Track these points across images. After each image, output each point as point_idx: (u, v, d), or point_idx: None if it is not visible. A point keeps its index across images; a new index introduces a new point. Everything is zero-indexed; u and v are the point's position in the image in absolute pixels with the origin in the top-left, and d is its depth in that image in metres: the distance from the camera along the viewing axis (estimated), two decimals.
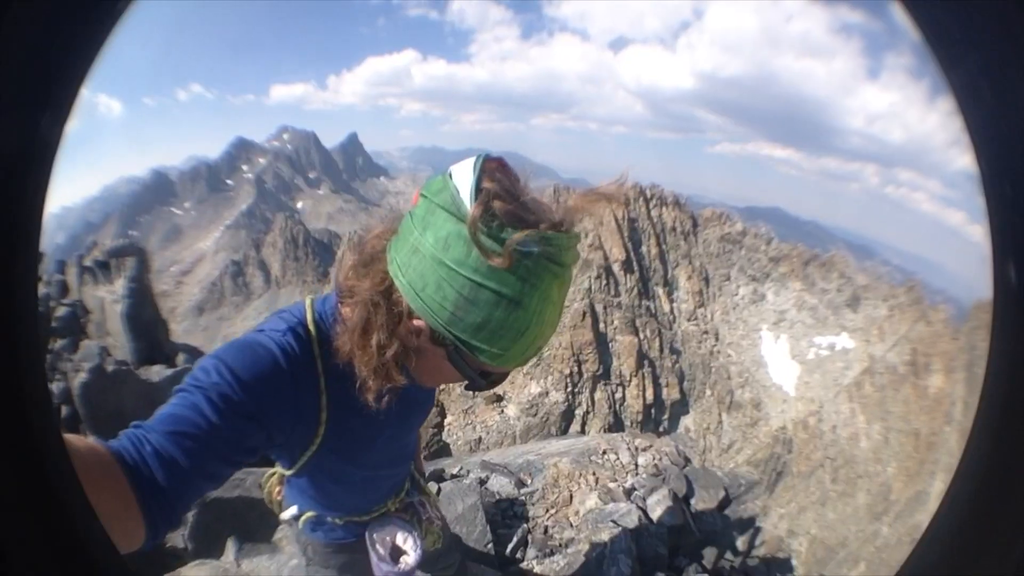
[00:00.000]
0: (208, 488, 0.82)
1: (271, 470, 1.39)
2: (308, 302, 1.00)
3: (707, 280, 53.72)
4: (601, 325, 45.68)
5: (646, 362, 46.62)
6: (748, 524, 6.40)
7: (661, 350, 48.05)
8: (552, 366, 44.44)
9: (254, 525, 3.60)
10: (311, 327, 0.95)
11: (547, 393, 43.89)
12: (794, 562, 7.39)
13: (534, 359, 0.82)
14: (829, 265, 56.51)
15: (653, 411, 47.13)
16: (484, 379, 0.89)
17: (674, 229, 53.56)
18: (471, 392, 1.12)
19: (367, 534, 1.35)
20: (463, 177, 0.77)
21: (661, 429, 47.70)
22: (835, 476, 49.13)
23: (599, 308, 45.89)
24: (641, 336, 46.76)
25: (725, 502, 6.08)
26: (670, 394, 48.17)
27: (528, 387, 44.92)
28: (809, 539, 47.15)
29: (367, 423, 1.03)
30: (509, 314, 0.76)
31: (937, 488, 50.64)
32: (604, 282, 47.54)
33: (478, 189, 0.74)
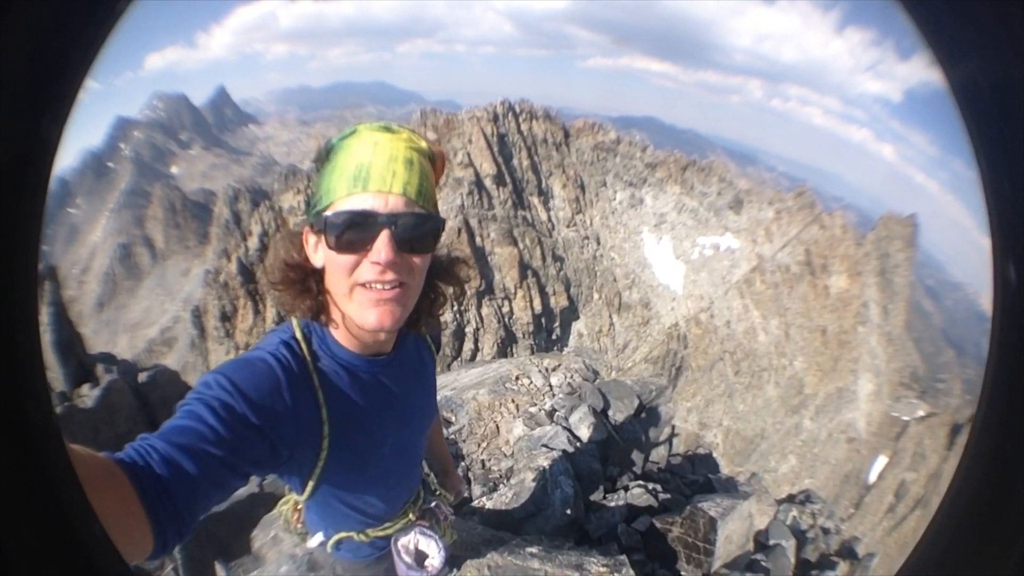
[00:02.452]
0: (216, 497, 0.83)
1: (285, 497, 1.42)
2: (293, 320, 1.04)
3: (583, 187, 54.27)
4: (478, 239, 45.55)
5: (529, 272, 47.05)
6: (665, 425, 6.74)
7: (543, 259, 48.59)
8: None
9: (230, 540, 3.70)
10: (300, 339, 1.01)
11: None
12: (715, 455, 7.56)
13: (384, 185, 0.91)
14: (708, 170, 58.14)
15: (543, 320, 47.91)
16: (335, 224, 0.90)
17: (545, 141, 53.41)
18: (341, 252, 0.90)
19: (392, 544, 1.38)
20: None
21: (553, 337, 48.65)
22: (738, 368, 51.89)
23: (473, 223, 45.64)
24: (521, 246, 46.98)
25: (640, 408, 6.38)
26: (558, 302, 48.99)
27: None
28: (723, 431, 50.15)
29: (370, 431, 1.09)
30: (326, 170, 0.94)
31: (864, 388, 54.09)
32: (476, 197, 47.16)
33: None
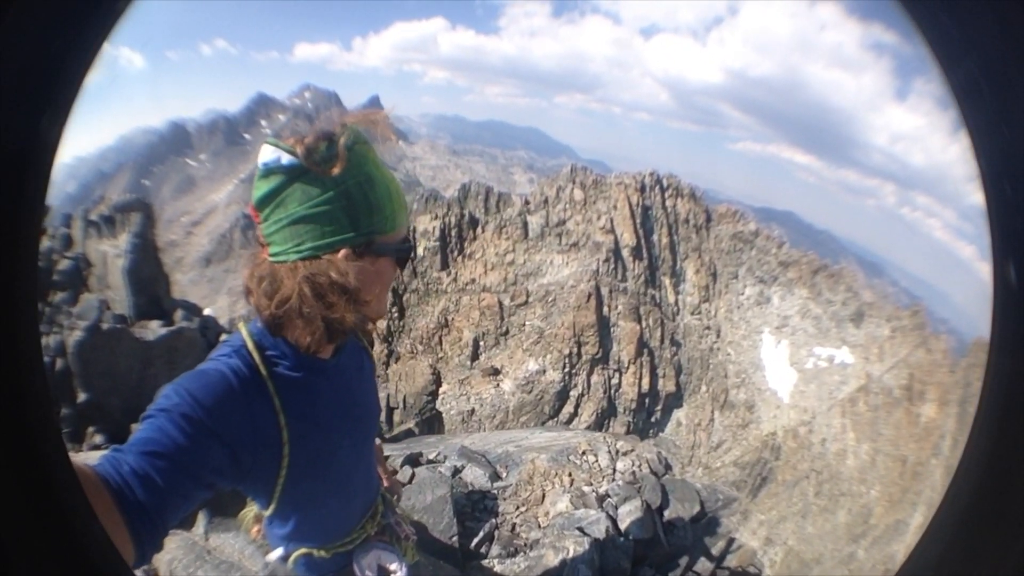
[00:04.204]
0: (184, 508, 0.87)
1: (245, 509, 1.45)
2: (241, 326, 1.08)
3: (715, 276, 53.23)
4: (605, 309, 45.56)
5: (646, 351, 46.54)
6: (722, 537, 6.34)
7: (662, 340, 47.93)
8: (552, 345, 44.48)
9: (226, 499, 3.63)
10: (252, 348, 1.03)
11: (544, 371, 44.01)
12: (766, 573, 7.40)
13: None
14: (838, 277, 55.82)
15: (647, 400, 47.15)
16: (403, 246, 1.10)
17: (687, 221, 52.92)
18: (402, 269, 1.21)
19: (353, 562, 1.39)
20: (263, 156, 0.95)
21: (653, 420, 47.81)
22: (819, 490, 49.09)
23: (604, 291, 45.71)
24: (644, 324, 46.61)
25: (699, 516, 6.04)
26: (666, 385, 48.12)
27: (526, 363, 45.07)
28: (785, 550, 47.67)
29: (327, 433, 1.13)
30: (372, 191, 0.99)
31: (917, 521, 50.91)
32: (612, 266, 47.29)
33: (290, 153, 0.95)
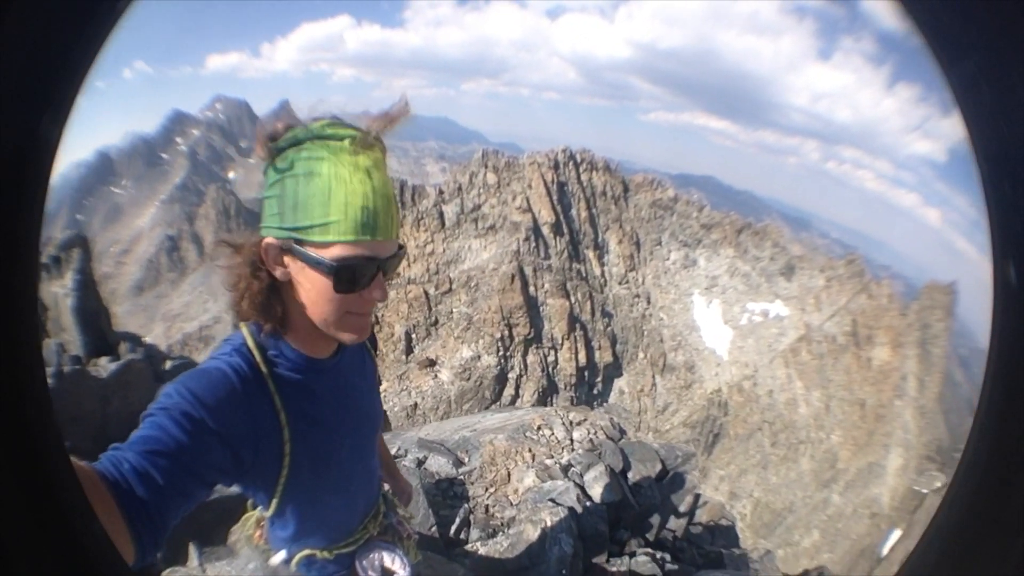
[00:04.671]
0: (184, 507, 0.86)
1: (247, 515, 1.41)
2: (242, 326, 1.06)
3: (638, 244, 54.11)
4: (531, 288, 45.59)
5: (578, 325, 46.92)
6: (688, 492, 6.57)
7: (593, 313, 48.41)
8: (483, 330, 44.30)
9: (209, 526, 3.72)
10: (252, 346, 1.02)
11: (479, 357, 43.84)
12: (739, 525, 7.36)
13: (387, 233, 0.95)
14: (763, 234, 57.46)
15: (586, 374, 47.64)
16: (342, 268, 0.93)
17: (604, 193, 53.55)
18: (343, 292, 0.97)
19: (356, 562, 1.38)
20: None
21: (595, 392, 48.23)
22: (775, 440, 50.66)
23: (528, 271, 45.74)
24: (572, 299, 46.92)
25: (662, 474, 6.22)
26: (603, 357, 48.69)
27: (460, 351, 44.74)
28: (753, 502, 48.92)
29: (328, 431, 1.12)
30: (306, 186, 0.90)
31: (893, 462, 52.62)
32: (533, 244, 47.36)
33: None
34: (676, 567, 4.53)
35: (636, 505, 5.29)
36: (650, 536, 5.18)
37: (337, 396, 1.15)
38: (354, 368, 1.25)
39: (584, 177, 52.81)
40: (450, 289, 46.99)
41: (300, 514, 1.18)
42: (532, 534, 3.93)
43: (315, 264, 0.92)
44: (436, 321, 46.62)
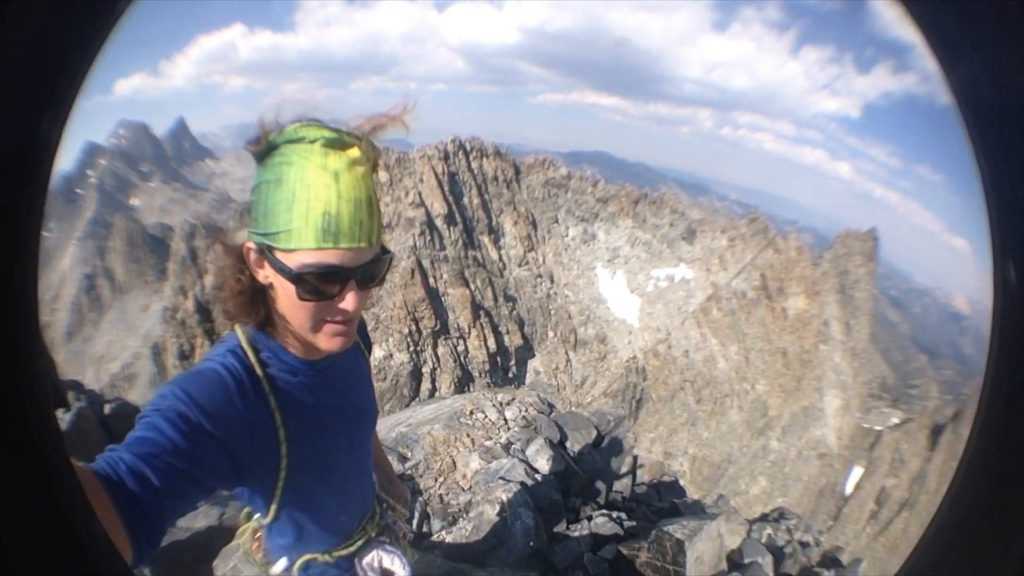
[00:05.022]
0: (181, 508, 0.86)
1: (241, 528, 1.40)
2: (237, 327, 1.05)
3: (534, 224, 54.91)
4: (431, 280, 46.01)
5: (481, 312, 47.45)
6: (627, 455, 6.72)
7: (495, 299, 49.01)
8: (390, 327, 44.29)
9: (194, 568, 3.59)
10: (247, 348, 1.02)
11: (391, 356, 43.80)
12: (682, 482, 7.92)
13: (353, 240, 0.91)
14: (660, 202, 58.92)
15: (499, 359, 48.06)
16: (302, 276, 0.91)
17: (495, 178, 54.04)
18: (307, 301, 0.97)
19: (356, 563, 1.37)
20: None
21: (510, 375, 48.96)
22: (699, 397, 52.32)
23: (426, 264, 46.10)
24: (472, 287, 47.50)
25: (599, 440, 6.38)
26: (512, 340, 49.32)
27: (372, 352, 44.85)
28: (689, 459, 50.36)
29: (324, 433, 1.12)
30: (274, 192, 0.89)
31: (831, 404, 54.19)
32: (428, 237, 47.65)
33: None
34: (635, 524, 4.61)
35: (581, 472, 5.40)
36: (600, 500, 5.29)
37: (332, 397, 1.15)
38: (348, 368, 1.24)
39: (475, 165, 53.15)
40: None
41: (299, 518, 1.17)
42: (492, 513, 3.96)
43: (280, 271, 0.92)
44: None
